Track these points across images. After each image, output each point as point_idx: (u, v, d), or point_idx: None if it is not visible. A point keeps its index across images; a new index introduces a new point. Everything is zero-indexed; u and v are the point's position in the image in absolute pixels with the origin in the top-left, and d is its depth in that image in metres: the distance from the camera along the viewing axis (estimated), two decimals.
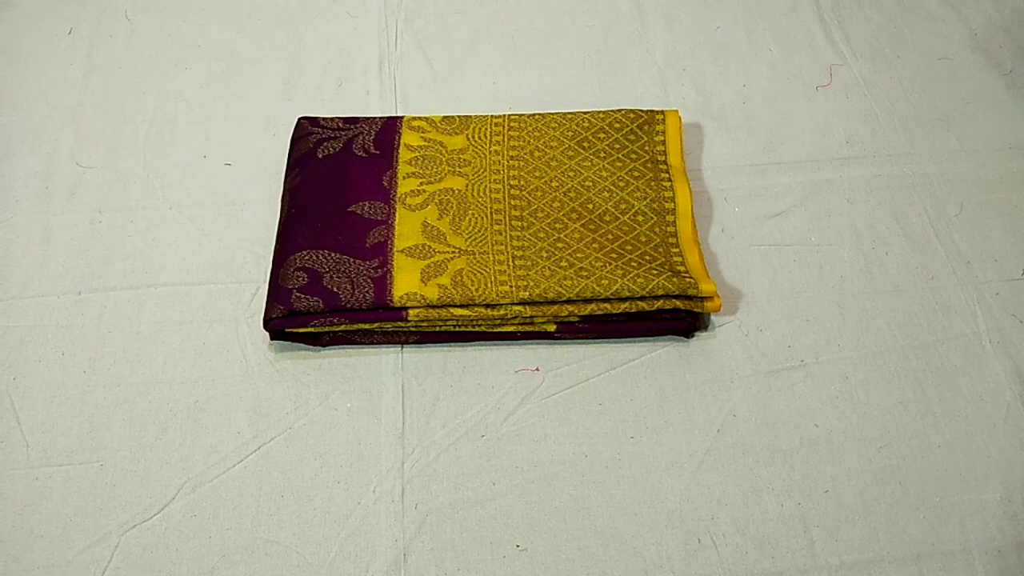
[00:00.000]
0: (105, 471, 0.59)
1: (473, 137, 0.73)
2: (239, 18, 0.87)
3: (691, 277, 0.64)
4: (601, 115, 0.74)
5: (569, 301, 0.63)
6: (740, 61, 0.84)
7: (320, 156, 0.72)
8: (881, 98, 0.81)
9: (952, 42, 0.86)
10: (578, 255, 0.66)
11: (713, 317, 0.66)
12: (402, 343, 0.65)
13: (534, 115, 0.75)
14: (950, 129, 0.78)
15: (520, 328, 0.64)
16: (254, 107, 0.80)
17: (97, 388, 0.62)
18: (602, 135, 0.73)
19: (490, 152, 0.73)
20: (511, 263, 0.65)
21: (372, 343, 0.65)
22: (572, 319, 0.64)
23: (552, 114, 0.75)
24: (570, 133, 0.73)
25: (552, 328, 0.64)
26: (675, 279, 0.63)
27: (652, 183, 0.71)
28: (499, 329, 0.64)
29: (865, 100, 0.81)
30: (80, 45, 0.84)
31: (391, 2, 0.88)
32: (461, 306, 0.63)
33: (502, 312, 0.63)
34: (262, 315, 0.64)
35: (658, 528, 0.57)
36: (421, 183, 0.70)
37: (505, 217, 0.69)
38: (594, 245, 0.67)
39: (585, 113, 0.74)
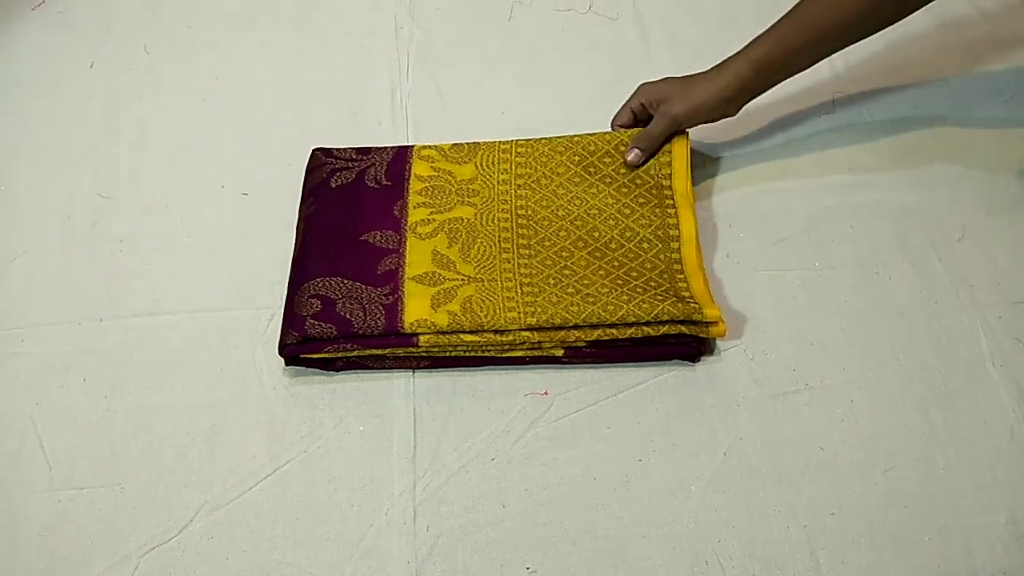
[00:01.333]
0: (125, 494, 0.60)
1: (481, 165, 0.75)
2: (255, 51, 0.89)
3: (696, 303, 0.65)
4: (608, 137, 0.76)
5: (576, 327, 0.64)
6: None
7: (333, 186, 0.74)
8: (883, 124, 0.82)
9: (952, 66, 0.87)
10: (584, 282, 0.67)
11: (719, 342, 0.67)
12: (413, 368, 0.66)
13: (541, 139, 0.77)
14: (952, 154, 0.80)
15: (528, 353, 0.66)
16: (270, 138, 0.82)
17: (118, 413, 0.64)
18: (608, 159, 0.75)
19: (498, 181, 0.74)
20: (519, 290, 0.67)
21: (384, 368, 0.66)
22: (579, 344, 0.65)
23: (559, 138, 0.77)
24: (576, 158, 0.75)
25: (560, 353, 0.66)
26: (680, 304, 0.64)
27: (656, 209, 0.72)
28: (508, 354, 0.66)
29: (867, 126, 0.82)
30: (101, 78, 0.87)
31: (403, 34, 0.91)
32: (470, 332, 0.64)
33: (510, 338, 0.64)
34: (277, 341, 0.65)
35: (666, 551, 0.58)
36: (431, 212, 0.72)
37: (513, 245, 0.70)
38: (600, 272, 0.68)
39: (592, 135, 0.76)
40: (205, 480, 0.61)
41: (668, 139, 0.75)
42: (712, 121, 0.74)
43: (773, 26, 0.72)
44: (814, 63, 0.73)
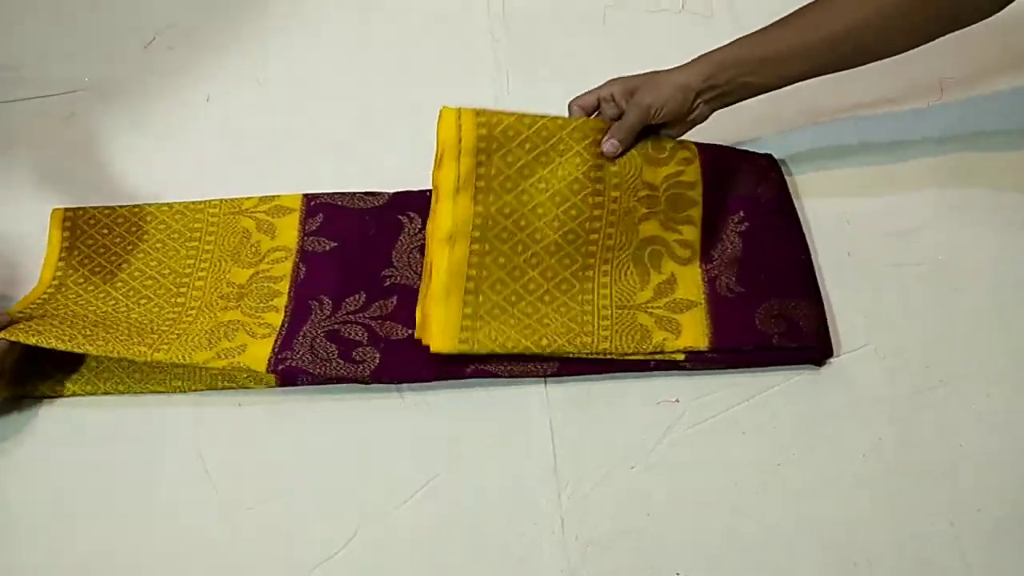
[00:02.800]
0: (289, 511, 0.64)
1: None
2: (357, 72, 0.92)
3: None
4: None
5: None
6: (848, 77, 0.85)
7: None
8: (991, 113, 0.81)
9: None
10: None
11: (845, 340, 0.68)
12: (544, 376, 0.68)
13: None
14: None
15: (651, 358, 0.67)
16: (384, 167, 0.84)
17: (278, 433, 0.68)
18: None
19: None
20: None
21: (512, 375, 0.68)
22: (702, 348, 0.67)
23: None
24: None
25: (681, 358, 0.67)
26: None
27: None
28: (631, 358, 0.67)
29: (978, 115, 0.81)
30: (217, 110, 0.90)
31: (499, 47, 0.92)
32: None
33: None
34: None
35: (813, 553, 0.59)
36: None
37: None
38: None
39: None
40: (362, 496, 0.64)
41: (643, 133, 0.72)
42: (684, 115, 0.71)
43: (763, 27, 0.70)
44: (797, 77, 0.69)
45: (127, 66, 0.94)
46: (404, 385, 0.69)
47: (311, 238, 0.76)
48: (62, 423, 0.69)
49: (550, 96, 0.87)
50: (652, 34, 0.92)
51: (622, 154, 0.71)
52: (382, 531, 0.63)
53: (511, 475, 0.64)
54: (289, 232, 0.76)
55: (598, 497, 0.63)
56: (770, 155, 0.78)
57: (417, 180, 0.79)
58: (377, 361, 0.67)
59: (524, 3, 0.96)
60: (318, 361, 0.67)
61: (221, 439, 0.68)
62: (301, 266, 0.74)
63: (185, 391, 0.69)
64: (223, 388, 0.69)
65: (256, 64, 0.93)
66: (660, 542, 0.61)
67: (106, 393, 0.69)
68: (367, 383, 0.68)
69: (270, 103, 0.90)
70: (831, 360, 0.67)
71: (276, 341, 0.68)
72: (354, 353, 0.68)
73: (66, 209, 0.79)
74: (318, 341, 0.68)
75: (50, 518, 0.64)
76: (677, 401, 0.67)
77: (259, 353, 0.67)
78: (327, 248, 0.75)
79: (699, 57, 0.72)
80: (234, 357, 0.66)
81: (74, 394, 0.69)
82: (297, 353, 0.67)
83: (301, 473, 0.66)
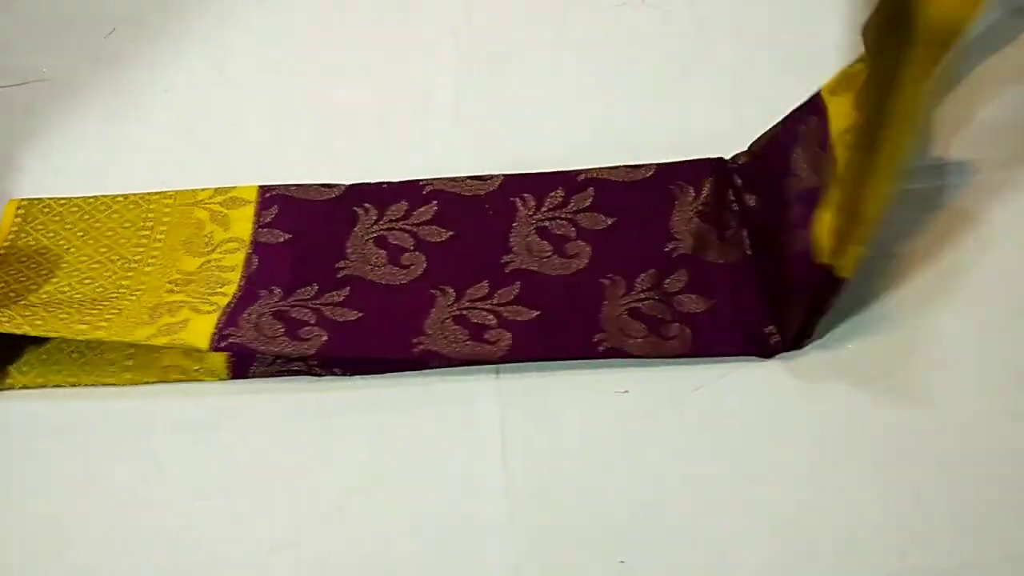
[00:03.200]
0: (241, 504, 0.64)
1: None
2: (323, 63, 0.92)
3: None
4: None
5: None
6: None
7: None
8: None
9: None
10: None
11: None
12: (497, 361, 0.68)
13: None
14: None
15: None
16: (343, 158, 0.84)
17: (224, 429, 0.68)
18: None
19: None
20: None
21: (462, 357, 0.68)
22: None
23: None
24: None
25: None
26: None
27: None
28: None
29: None
30: (176, 100, 0.90)
31: (462, 42, 0.93)
32: None
33: None
34: None
35: (760, 539, 0.60)
36: None
37: None
38: None
39: None
40: (313, 488, 0.65)
41: None
42: None
43: None
44: None
45: (87, 57, 0.94)
46: (357, 378, 0.70)
47: (265, 230, 0.76)
48: (9, 416, 0.69)
49: (511, 88, 0.88)
50: (613, 28, 0.93)
51: None
52: (332, 524, 0.63)
53: (461, 467, 0.65)
54: (243, 224, 0.76)
55: (547, 488, 0.64)
56: None
57: (376, 171, 0.79)
58: (324, 339, 0.67)
59: None
60: (263, 338, 0.67)
61: (174, 433, 0.68)
62: (254, 257, 0.74)
63: (137, 383, 0.69)
64: (175, 381, 0.69)
65: (216, 54, 0.93)
66: (606, 533, 0.61)
67: (57, 386, 0.69)
68: (316, 374, 0.69)
69: (229, 93, 0.90)
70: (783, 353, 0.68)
71: (220, 318, 0.68)
72: (301, 331, 0.68)
73: (21, 199, 0.79)
74: (264, 319, 0.68)
75: None
76: (626, 392, 0.67)
77: (202, 328, 0.66)
78: (281, 240, 0.75)
79: None
80: (176, 333, 0.66)
81: (24, 386, 0.69)
82: (241, 330, 0.67)
83: (252, 468, 0.66)
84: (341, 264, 0.73)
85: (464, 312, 0.69)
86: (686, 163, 0.77)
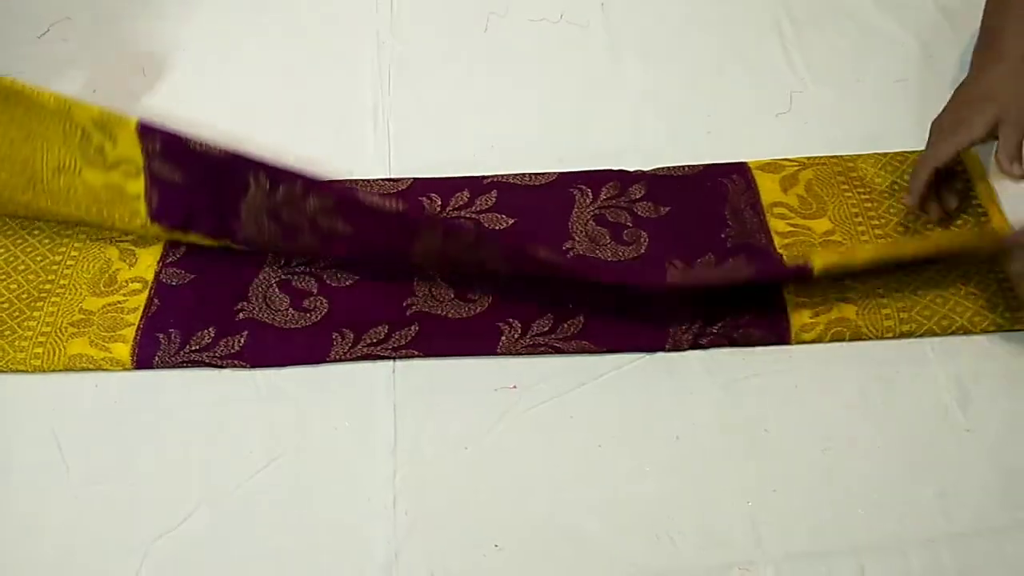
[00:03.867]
0: (136, 487, 0.67)
1: None
2: (245, 68, 0.95)
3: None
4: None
5: None
6: None
7: None
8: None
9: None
10: None
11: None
12: (394, 359, 0.72)
13: None
14: None
15: None
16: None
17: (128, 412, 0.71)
18: None
19: None
20: None
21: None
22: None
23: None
24: None
25: None
26: None
27: None
28: None
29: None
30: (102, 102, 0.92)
31: (384, 50, 0.96)
32: None
33: None
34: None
35: (624, 529, 0.64)
36: None
37: None
38: None
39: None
40: (207, 474, 0.67)
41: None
42: None
43: None
44: None
45: (19, 56, 0.96)
46: (257, 371, 0.72)
47: (170, 270, 0.77)
48: None
49: (429, 99, 0.92)
50: (531, 41, 0.97)
51: None
52: (222, 507, 0.66)
53: (352, 455, 0.68)
54: (149, 262, 0.78)
55: (431, 477, 0.67)
56: None
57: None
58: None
59: (412, 5, 1.00)
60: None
61: (76, 419, 0.70)
62: (155, 299, 0.75)
63: (45, 371, 0.72)
64: (82, 369, 0.72)
65: (143, 57, 0.96)
66: (483, 519, 0.65)
67: None
68: (218, 365, 0.71)
69: (154, 95, 0.93)
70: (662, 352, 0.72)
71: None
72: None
73: None
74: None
75: None
76: (515, 387, 0.71)
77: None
78: (185, 281, 0.77)
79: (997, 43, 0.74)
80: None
81: None
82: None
83: (150, 451, 0.69)
84: (240, 306, 0.75)
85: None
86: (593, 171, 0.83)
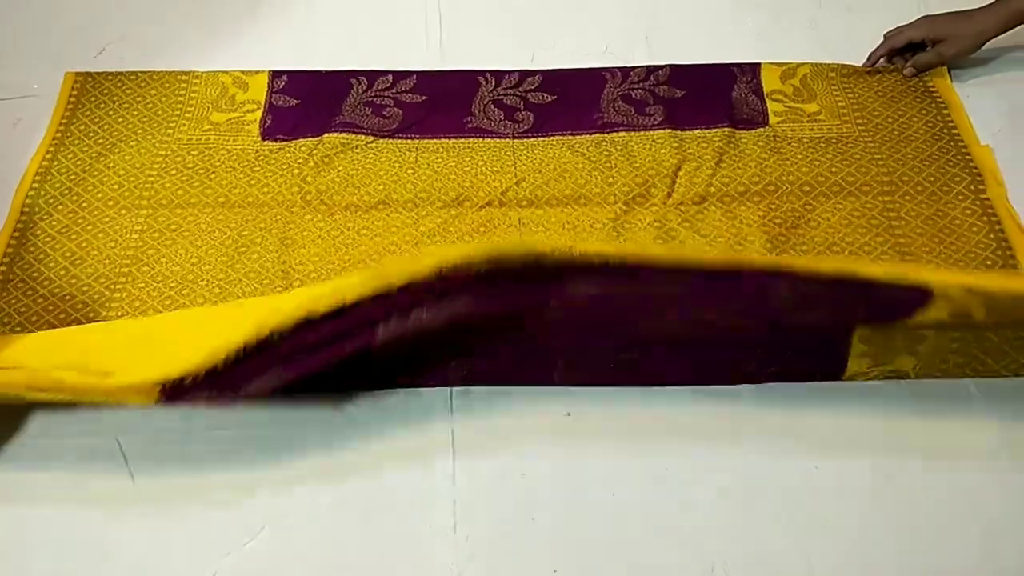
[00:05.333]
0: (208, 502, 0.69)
1: None
2: None
3: None
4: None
5: None
6: None
7: None
8: None
9: None
10: None
11: None
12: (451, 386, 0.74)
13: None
14: None
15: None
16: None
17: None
18: None
19: None
20: None
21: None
22: None
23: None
24: None
25: None
26: None
27: None
28: None
29: None
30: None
31: None
32: None
33: None
34: None
35: (678, 556, 0.66)
36: None
37: None
38: None
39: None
40: (275, 493, 0.70)
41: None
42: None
43: None
44: None
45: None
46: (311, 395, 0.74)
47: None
48: None
49: (484, 43, 0.99)
50: None
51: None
52: (290, 530, 0.68)
53: (413, 479, 0.70)
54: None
55: (489, 502, 0.69)
56: None
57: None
58: None
59: None
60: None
61: (144, 437, 0.73)
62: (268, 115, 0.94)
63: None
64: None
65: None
66: (541, 543, 0.67)
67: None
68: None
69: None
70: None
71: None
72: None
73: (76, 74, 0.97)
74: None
75: None
76: (569, 415, 0.73)
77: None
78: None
79: (997, 3, 0.85)
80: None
81: None
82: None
83: (219, 470, 0.71)
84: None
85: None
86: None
